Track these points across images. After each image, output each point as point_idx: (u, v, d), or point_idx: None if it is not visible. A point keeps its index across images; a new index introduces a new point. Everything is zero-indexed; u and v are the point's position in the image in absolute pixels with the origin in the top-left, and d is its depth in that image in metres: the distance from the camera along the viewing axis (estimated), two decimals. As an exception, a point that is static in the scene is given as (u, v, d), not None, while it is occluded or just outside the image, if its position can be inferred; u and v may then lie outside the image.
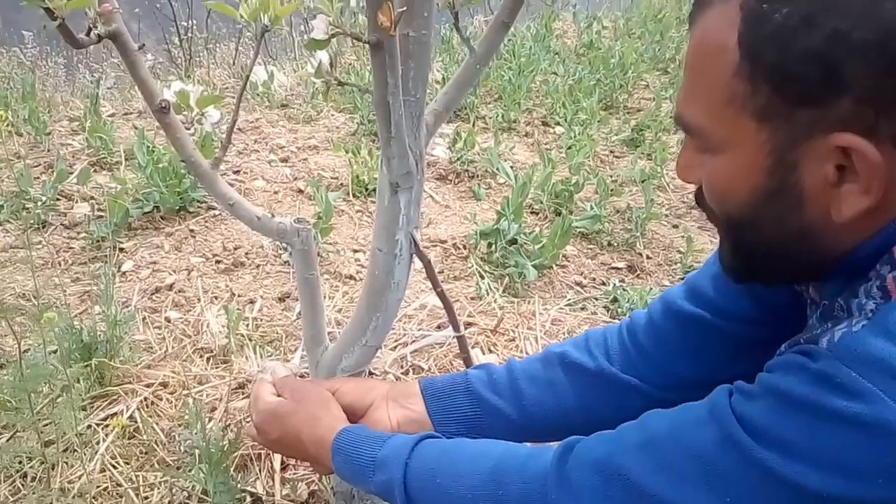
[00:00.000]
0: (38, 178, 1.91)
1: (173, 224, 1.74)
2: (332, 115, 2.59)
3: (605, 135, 2.55)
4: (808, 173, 0.50)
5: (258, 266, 1.60)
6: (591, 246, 1.83)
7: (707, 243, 1.84)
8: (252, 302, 1.47)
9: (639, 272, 1.75)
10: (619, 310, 1.54)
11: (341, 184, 2.01)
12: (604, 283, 1.67)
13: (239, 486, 0.99)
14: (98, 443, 1.07)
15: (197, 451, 1.01)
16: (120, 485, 1.01)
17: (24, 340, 1.13)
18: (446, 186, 2.11)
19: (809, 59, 0.46)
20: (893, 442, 0.44)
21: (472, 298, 1.55)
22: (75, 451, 1.04)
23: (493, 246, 1.69)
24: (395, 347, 1.35)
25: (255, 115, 2.49)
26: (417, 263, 0.84)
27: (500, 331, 1.42)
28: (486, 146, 2.26)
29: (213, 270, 1.57)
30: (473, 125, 2.45)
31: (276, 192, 1.95)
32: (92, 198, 1.83)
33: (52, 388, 1.10)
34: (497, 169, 2.06)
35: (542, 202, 1.97)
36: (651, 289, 1.61)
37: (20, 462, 1.01)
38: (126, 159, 2.00)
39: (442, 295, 0.91)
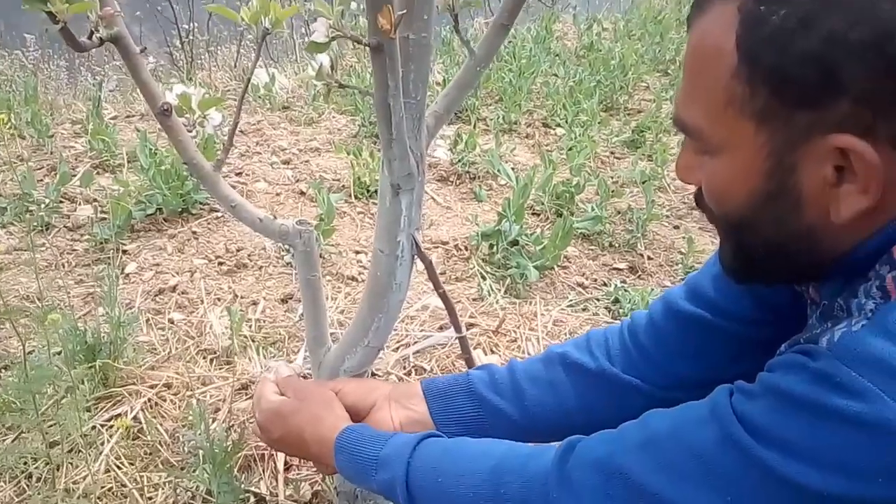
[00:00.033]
0: (41, 180, 1.92)
1: (176, 226, 1.74)
2: (334, 117, 2.60)
3: (605, 136, 2.55)
4: (806, 174, 0.51)
5: (261, 268, 1.60)
6: (592, 247, 1.84)
7: (708, 244, 1.85)
8: (255, 303, 1.47)
9: (640, 273, 1.75)
10: (621, 310, 1.55)
11: (343, 185, 2.02)
12: (605, 284, 1.67)
13: (243, 486, 1.00)
14: (102, 444, 1.07)
15: (201, 452, 1.02)
16: (124, 485, 1.01)
17: (28, 342, 1.14)
18: (448, 188, 2.12)
19: (807, 62, 0.47)
20: (894, 441, 0.44)
21: (473, 299, 1.55)
22: (80, 451, 1.04)
23: (495, 247, 1.69)
24: (398, 348, 1.35)
25: (257, 117, 2.50)
26: (419, 265, 0.85)
27: (501, 332, 1.43)
28: (487, 148, 2.26)
29: (215, 272, 1.58)
30: (474, 127, 2.46)
31: (278, 194, 1.95)
32: (95, 200, 1.83)
33: (57, 390, 1.10)
34: (498, 170, 2.06)
35: (543, 203, 1.97)
36: (652, 289, 1.61)
37: (25, 463, 1.01)
38: (129, 162, 2.01)
39: (444, 296, 0.92)
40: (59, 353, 1.17)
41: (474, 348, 1.37)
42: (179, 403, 1.18)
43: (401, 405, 0.79)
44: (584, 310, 1.57)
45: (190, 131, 0.75)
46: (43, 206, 1.74)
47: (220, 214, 1.79)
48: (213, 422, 1.13)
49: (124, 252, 1.63)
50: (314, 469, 1.02)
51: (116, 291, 1.31)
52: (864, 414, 0.45)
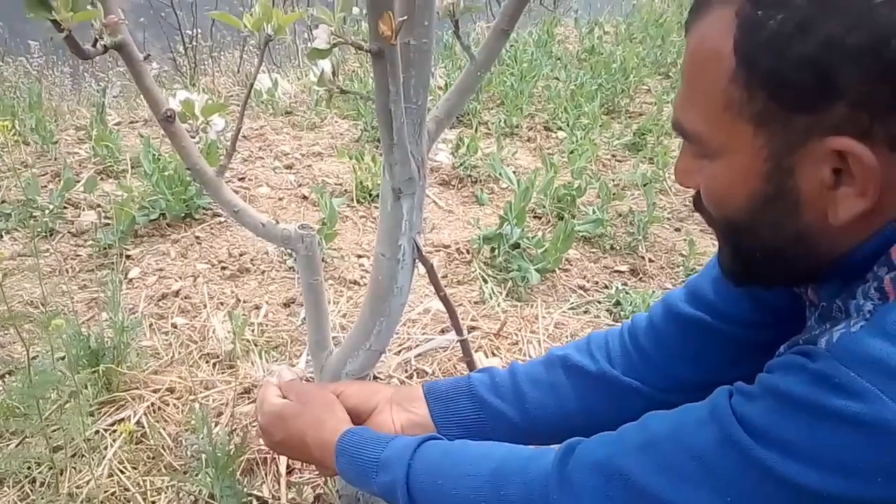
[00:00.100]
0: (45, 186, 1.93)
1: (179, 231, 1.75)
2: (336, 121, 2.60)
3: (606, 139, 2.55)
4: (804, 177, 0.51)
5: (263, 272, 1.61)
6: (593, 250, 1.84)
7: (709, 246, 1.85)
8: (257, 307, 1.48)
9: (641, 275, 1.75)
10: (622, 313, 1.55)
11: (345, 190, 2.02)
12: (606, 287, 1.67)
13: (245, 490, 1.00)
14: (106, 448, 1.08)
15: (203, 456, 1.02)
16: (127, 489, 1.02)
17: (32, 347, 1.14)
18: (449, 191, 2.12)
19: (804, 66, 0.47)
20: (892, 441, 0.45)
21: (475, 302, 1.55)
22: (83, 456, 1.05)
23: (496, 250, 1.69)
24: (400, 352, 1.36)
25: (260, 122, 2.51)
26: (421, 268, 0.85)
27: (503, 334, 1.43)
28: (488, 151, 2.27)
29: (218, 276, 1.59)
30: (476, 131, 2.46)
31: (280, 199, 1.96)
32: (99, 206, 1.84)
33: (60, 395, 1.11)
34: (500, 174, 2.07)
35: (544, 206, 1.98)
36: (654, 292, 1.61)
37: (29, 467, 1.02)
38: (132, 167, 2.01)
39: (445, 299, 0.92)
40: (63, 358, 1.17)
41: (476, 351, 1.37)
42: (182, 408, 1.18)
43: (402, 408, 0.80)
44: (585, 312, 1.57)
45: (193, 137, 0.76)
46: (47, 211, 1.75)
47: (223, 219, 1.79)
48: (215, 426, 1.13)
49: (128, 257, 1.64)
50: (316, 472, 1.03)
51: (120, 296, 1.32)
52: (863, 414, 0.45)
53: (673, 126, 0.57)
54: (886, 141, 0.48)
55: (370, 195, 1.98)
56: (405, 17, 0.61)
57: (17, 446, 1.07)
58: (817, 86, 0.47)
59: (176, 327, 1.40)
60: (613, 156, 2.46)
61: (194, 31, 4.03)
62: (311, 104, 2.67)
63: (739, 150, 0.53)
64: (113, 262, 1.57)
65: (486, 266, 1.69)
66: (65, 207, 1.81)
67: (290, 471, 1.06)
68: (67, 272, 1.57)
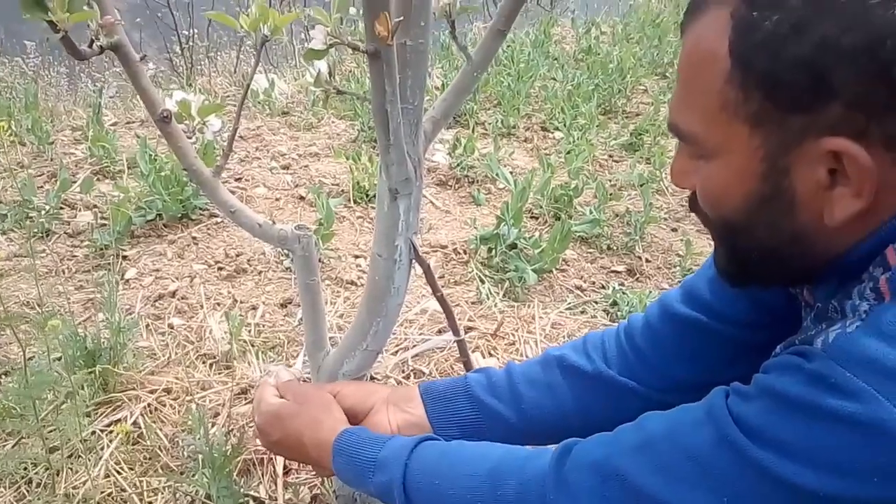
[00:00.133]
0: (41, 187, 1.92)
1: (176, 231, 1.75)
2: (333, 122, 2.60)
3: (603, 139, 2.56)
4: (800, 178, 0.51)
5: (260, 272, 1.60)
6: (590, 250, 1.84)
7: (706, 246, 1.85)
8: (254, 308, 1.48)
9: (638, 276, 1.76)
10: (619, 313, 1.55)
11: (342, 190, 2.02)
12: (603, 287, 1.67)
13: (242, 490, 1.00)
14: (102, 449, 1.08)
15: (200, 456, 1.02)
16: (124, 490, 1.01)
17: (28, 348, 1.14)
18: (446, 192, 2.12)
19: (799, 67, 0.47)
20: (888, 441, 0.45)
21: (472, 303, 1.55)
22: (80, 457, 1.04)
23: (493, 251, 1.69)
24: (396, 352, 1.36)
25: (257, 122, 2.51)
26: (417, 269, 0.85)
27: (500, 335, 1.43)
28: (485, 152, 2.27)
29: (215, 277, 1.58)
30: (473, 131, 2.47)
31: (277, 199, 1.96)
32: (95, 206, 1.84)
33: (57, 395, 1.11)
34: (497, 174, 2.07)
35: (541, 207, 1.98)
36: (650, 292, 1.62)
37: (25, 468, 1.02)
38: (128, 168, 2.01)
39: (442, 299, 0.92)
40: (60, 359, 1.17)
41: (473, 351, 1.37)
42: (179, 408, 1.18)
43: (399, 408, 0.80)
44: (582, 312, 1.57)
45: (189, 137, 0.76)
46: (43, 212, 1.74)
47: (219, 220, 1.79)
48: (212, 426, 1.13)
49: (124, 258, 1.64)
50: (313, 473, 1.03)
51: (116, 297, 1.32)
52: (859, 414, 0.45)
53: (669, 127, 0.57)
54: (882, 141, 0.48)
55: (367, 195, 1.98)
56: (401, 18, 0.61)
57: (13, 447, 1.06)
58: (812, 86, 0.47)
59: (172, 328, 1.40)
60: (610, 156, 2.47)
61: (191, 31, 4.02)
62: (308, 105, 2.67)
63: (735, 151, 0.53)
64: (109, 263, 1.57)
65: (483, 266, 1.69)
66: (61, 208, 1.81)
67: (286, 471, 1.06)
68: (64, 273, 1.57)
